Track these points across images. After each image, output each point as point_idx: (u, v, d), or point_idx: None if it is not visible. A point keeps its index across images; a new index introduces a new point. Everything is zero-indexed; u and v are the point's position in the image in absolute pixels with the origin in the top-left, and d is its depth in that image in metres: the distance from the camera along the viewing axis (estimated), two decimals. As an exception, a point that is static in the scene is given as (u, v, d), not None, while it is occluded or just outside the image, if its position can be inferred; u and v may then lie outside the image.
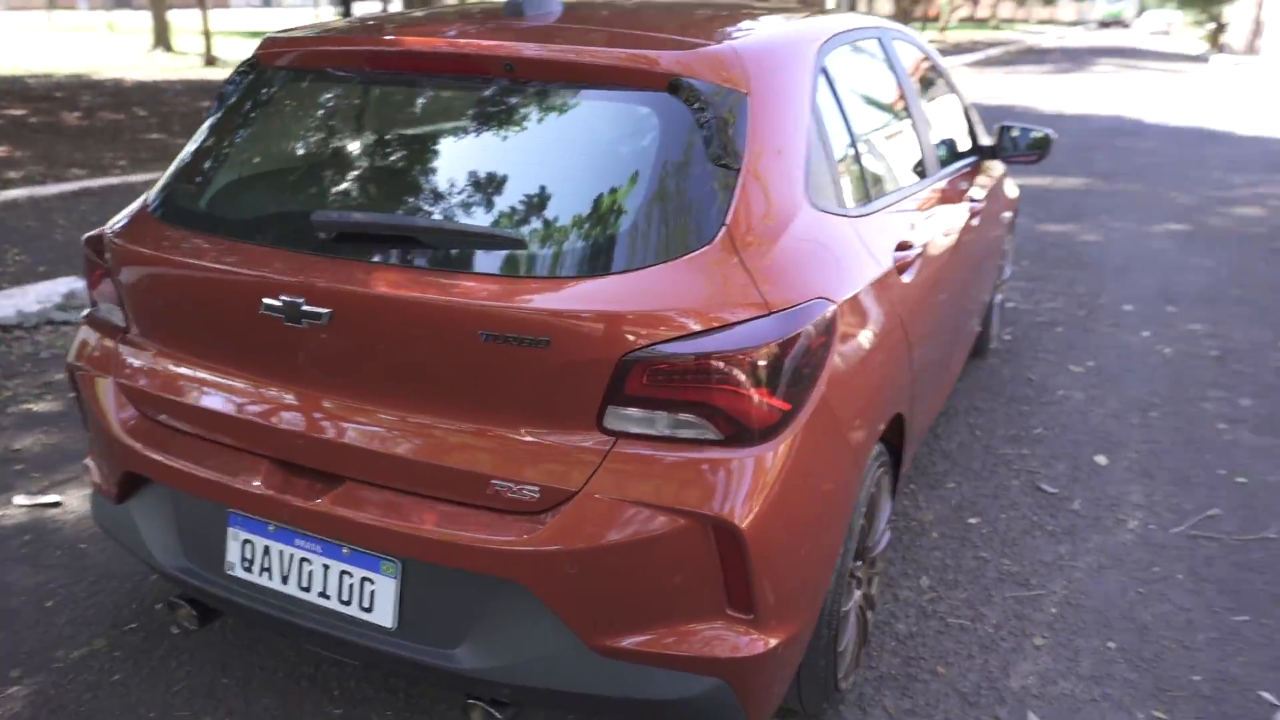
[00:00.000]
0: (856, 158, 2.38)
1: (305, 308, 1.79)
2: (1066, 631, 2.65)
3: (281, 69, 2.23)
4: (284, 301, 1.81)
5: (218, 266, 1.92)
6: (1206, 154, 11.54)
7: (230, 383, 1.98)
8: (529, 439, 1.74)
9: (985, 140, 3.86)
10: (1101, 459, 3.67)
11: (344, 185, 1.95)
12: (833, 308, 1.89)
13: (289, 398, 1.91)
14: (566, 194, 1.81)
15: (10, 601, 2.65)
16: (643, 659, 1.75)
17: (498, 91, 1.97)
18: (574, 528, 1.70)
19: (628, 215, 1.76)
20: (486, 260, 1.75)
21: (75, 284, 5.19)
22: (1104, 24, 71.92)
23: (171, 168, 2.25)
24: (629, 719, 1.86)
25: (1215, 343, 5.02)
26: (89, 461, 2.35)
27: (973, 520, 3.21)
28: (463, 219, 1.82)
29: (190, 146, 2.26)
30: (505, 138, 1.93)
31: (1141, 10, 71.21)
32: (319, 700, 2.31)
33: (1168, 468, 3.62)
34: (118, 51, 23.35)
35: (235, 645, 2.50)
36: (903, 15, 39.03)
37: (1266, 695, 2.42)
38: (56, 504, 3.17)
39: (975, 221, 3.31)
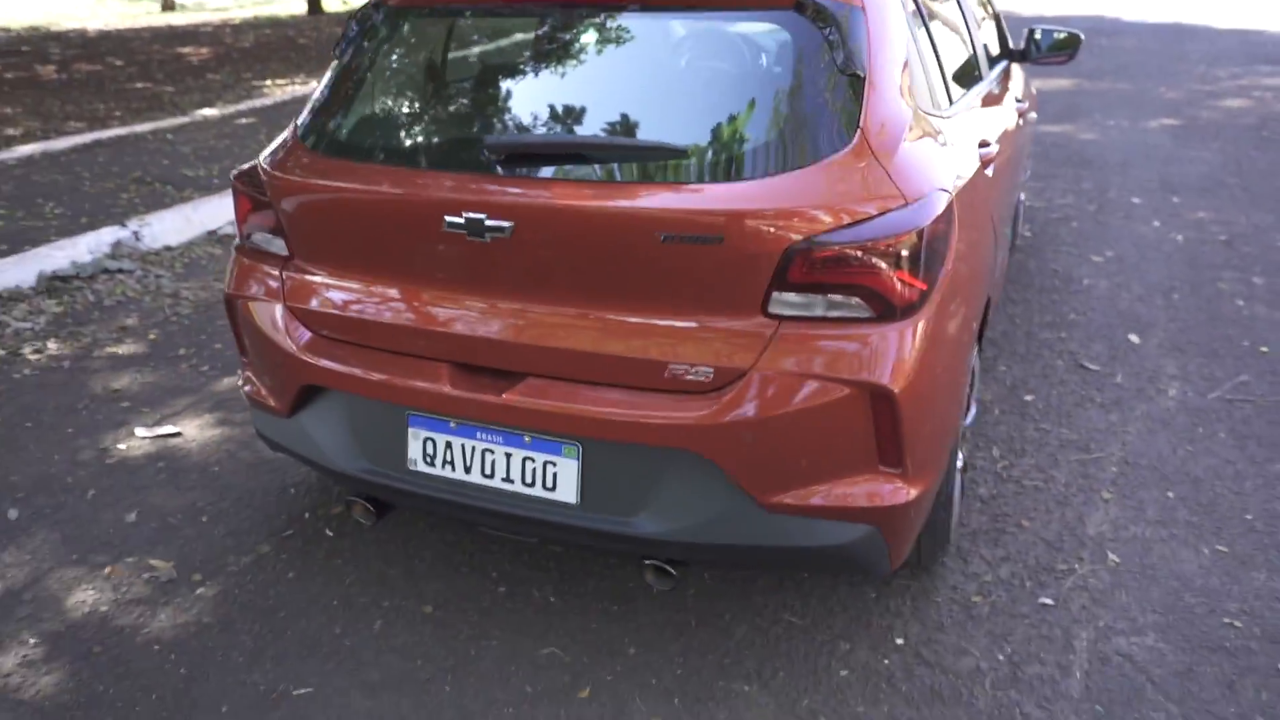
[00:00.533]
0: (939, 61, 2.59)
1: (489, 222, 1.99)
2: (1129, 486, 2.95)
3: (413, 7, 2.38)
4: (467, 219, 2.01)
5: (394, 191, 2.11)
6: (1187, 49, 11.74)
7: (407, 296, 2.19)
8: (701, 327, 1.97)
9: (1011, 43, 4.06)
10: (1134, 338, 3.96)
11: (504, 110, 2.14)
12: (949, 198, 2.12)
13: (470, 305, 2.12)
14: (714, 107, 2.01)
15: (169, 519, 2.88)
16: (806, 511, 2.01)
17: (633, 15, 2.14)
18: (747, 401, 1.94)
19: (775, 124, 1.97)
20: (655, 170, 1.95)
21: (120, 233, 5.30)
22: None
23: (314, 103, 2.41)
24: (791, 566, 2.14)
25: (1221, 228, 5.30)
26: (247, 383, 2.56)
27: (1028, 397, 3.49)
28: (624, 135, 2.02)
29: (328, 83, 2.42)
30: (646, 59, 2.11)
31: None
32: (481, 581, 2.57)
33: (1195, 342, 3.92)
34: (69, 1, 22.70)
35: (390, 543, 2.74)
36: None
37: (1312, 527, 2.75)
38: (177, 434, 3.37)
39: (1020, 121, 3.53)
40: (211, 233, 5.56)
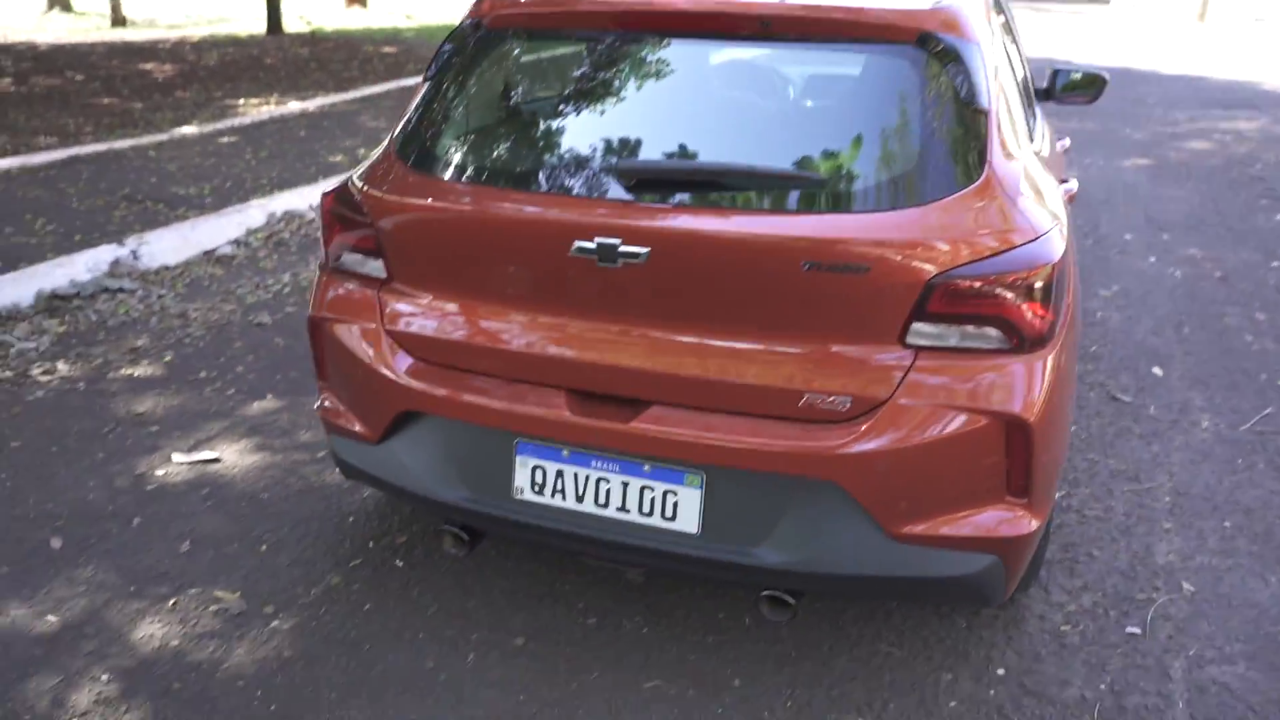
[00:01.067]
0: (1025, 99, 2.64)
1: (623, 248, 1.97)
2: (1186, 515, 3.01)
3: (514, 28, 2.36)
4: (599, 244, 1.98)
5: (517, 213, 2.07)
6: (1142, 93, 12.18)
7: (523, 321, 2.15)
8: (838, 357, 1.97)
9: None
10: (1158, 370, 4.06)
11: (627, 135, 2.13)
12: (1063, 229, 2.16)
13: (594, 331, 2.09)
14: (844, 137, 2.02)
15: (225, 549, 2.77)
16: (934, 542, 2.01)
17: (756, 45, 2.15)
18: (885, 431, 1.94)
19: (908, 157, 1.99)
20: (795, 199, 1.95)
21: (118, 251, 5.14)
22: None
23: (411, 122, 2.36)
24: (911, 596, 2.13)
25: (1214, 265, 5.49)
26: (327, 409, 2.48)
27: (1071, 428, 3.55)
28: (760, 162, 2.02)
29: (424, 101, 2.38)
30: (772, 87, 2.12)
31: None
32: (568, 612, 2.52)
33: (1215, 375, 4.03)
34: (11, 13, 22.08)
35: (465, 573, 2.68)
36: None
37: (1367, 556, 2.83)
38: (215, 459, 3.26)
39: (1065, 159, 3.62)
40: (209, 253, 5.42)
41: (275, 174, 6.81)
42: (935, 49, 2.07)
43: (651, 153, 2.07)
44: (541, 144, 2.19)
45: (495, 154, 2.21)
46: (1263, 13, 21.36)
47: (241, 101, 9.96)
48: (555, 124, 2.22)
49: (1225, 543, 2.88)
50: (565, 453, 2.15)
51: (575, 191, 2.07)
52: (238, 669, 2.31)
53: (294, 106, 9.20)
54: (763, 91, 2.12)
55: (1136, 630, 2.49)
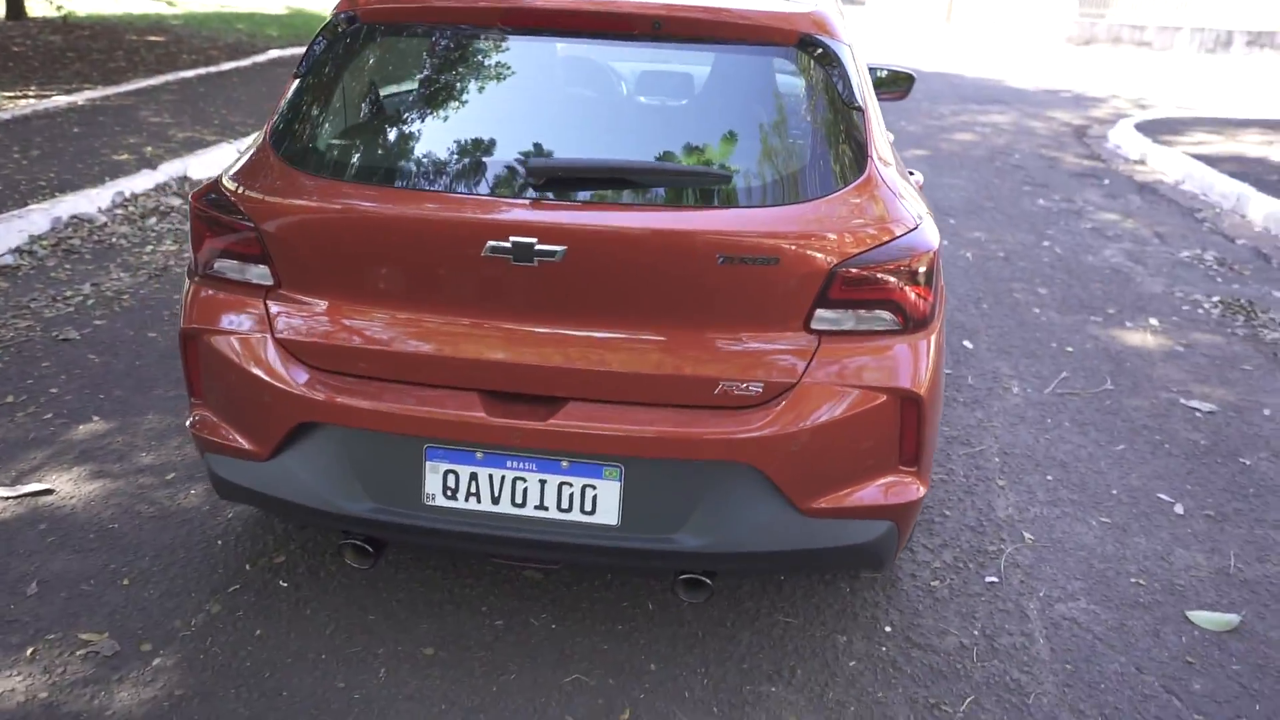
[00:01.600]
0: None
1: (539, 246, 1.98)
2: (1014, 472, 3.35)
3: (392, 22, 2.29)
4: (514, 243, 1.98)
5: (424, 213, 2.03)
6: (908, 88, 13.19)
7: (431, 322, 2.11)
8: (749, 345, 2.06)
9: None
10: (968, 343, 4.47)
11: (527, 133, 2.13)
12: (932, 219, 2.35)
13: (507, 331, 2.08)
14: (746, 135, 2.12)
15: (81, 587, 2.54)
16: (840, 514, 2.15)
17: (647, 45, 2.21)
18: (796, 412, 2.05)
19: (803, 152, 2.11)
20: (704, 195, 2.03)
21: (-125, 265, 4.53)
22: None
23: (292, 121, 2.25)
24: (817, 566, 2.27)
25: (997, 246, 6.07)
26: (202, 426, 2.33)
27: (906, 400, 3.85)
28: (659, 160, 2.07)
29: (302, 101, 2.28)
30: (669, 87, 2.18)
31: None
32: (472, 617, 2.49)
33: (1016, 345, 4.48)
34: None
35: (355, 587, 2.59)
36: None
37: (1163, 496, 3.25)
38: (47, 491, 2.97)
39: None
40: (-13, 264, 4.87)
41: (54, 175, 6.20)
42: (814, 52, 2.21)
43: (554, 151, 2.08)
44: (440, 142, 2.15)
45: (391, 152, 2.15)
46: (998, 16, 23.58)
47: (-9, 94, 8.94)
48: (450, 121, 2.18)
49: (1050, 494, 3.23)
50: (479, 455, 2.13)
51: (483, 190, 2.05)
52: (125, 713, 2.14)
53: (60, 100, 8.37)
54: (654, 91, 2.18)
55: (994, 579, 2.76)
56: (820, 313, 2.06)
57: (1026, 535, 2.98)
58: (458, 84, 2.23)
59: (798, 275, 2.02)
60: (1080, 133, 10.34)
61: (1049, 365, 4.28)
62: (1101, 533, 3.02)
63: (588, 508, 2.13)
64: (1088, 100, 12.81)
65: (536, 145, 2.11)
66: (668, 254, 1.99)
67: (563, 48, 2.22)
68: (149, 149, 7.05)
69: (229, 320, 2.22)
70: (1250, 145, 9.26)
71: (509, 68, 2.23)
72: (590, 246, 1.99)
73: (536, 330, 2.08)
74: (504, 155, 2.09)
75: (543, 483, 2.13)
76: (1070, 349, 4.47)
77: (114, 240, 5.38)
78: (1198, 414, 3.87)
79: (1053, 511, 3.12)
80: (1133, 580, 2.79)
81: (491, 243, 1.99)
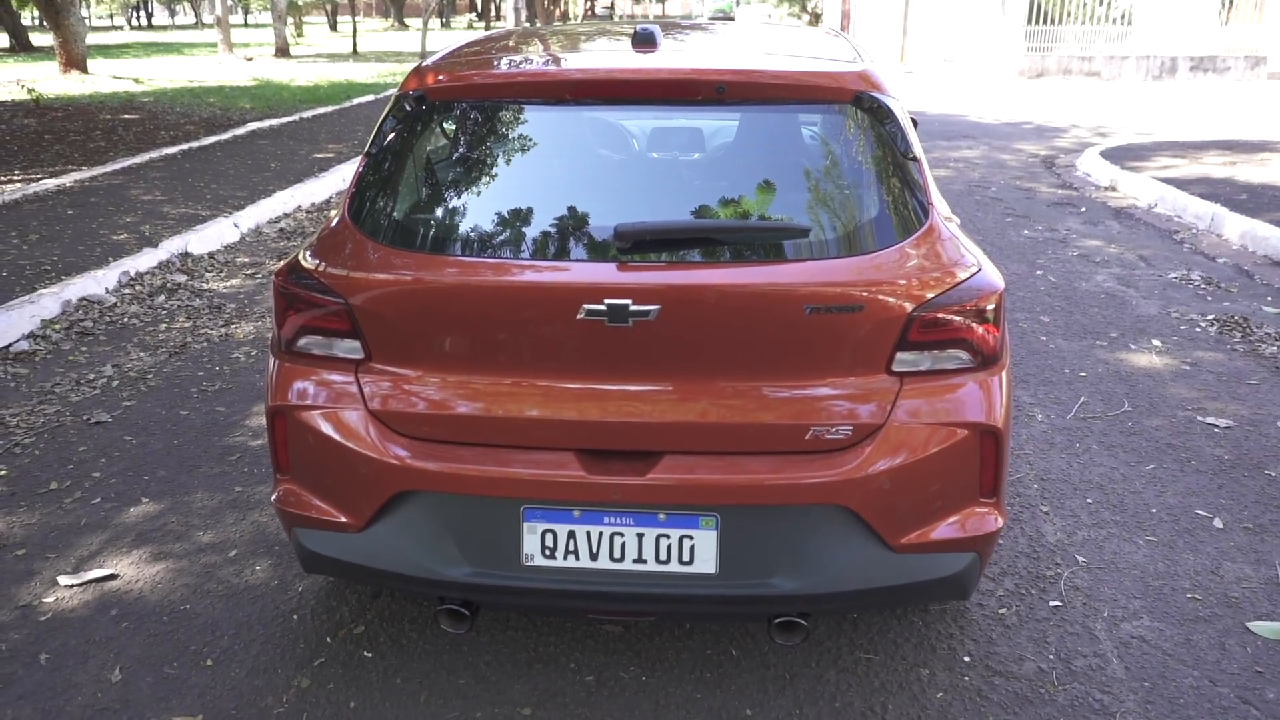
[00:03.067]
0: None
1: (634, 307, 2.05)
2: (1055, 497, 3.44)
3: (459, 98, 2.38)
4: (609, 305, 2.05)
5: (519, 281, 2.10)
6: (876, 127, 13.53)
7: (526, 386, 2.17)
8: (836, 389, 2.14)
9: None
10: (986, 375, 4.58)
11: (609, 198, 2.21)
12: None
13: (602, 389, 2.14)
14: (819, 189, 2.22)
15: (167, 669, 2.55)
16: (929, 548, 2.22)
17: (713, 109, 2.31)
18: (884, 453, 2.13)
19: (873, 203, 2.21)
20: (785, 249, 2.12)
21: (-106, 359, 4.51)
22: (713, 18, 78.28)
23: (368, 197, 2.32)
24: (909, 600, 2.33)
25: (993, 277, 6.22)
26: (289, 501, 2.36)
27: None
28: (737, 217, 2.17)
29: (377, 177, 2.35)
30: (733, 147, 2.29)
31: (738, 2, 78.40)
32: (562, 673, 2.52)
33: (1031, 374, 4.61)
34: None
35: (441, 652, 2.61)
36: (544, 15, 40.43)
37: (1201, 512, 3.36)
38: (111, 576, 2.97)
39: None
40: (3, 350, 4.87)
41: (56, 259, 6.20)
42: (869, 106, 2.32)
43: (637, 214, 2.16)
44: (521, 211, 2.23)
45: (476, 223, 2.23)
46: (950, 54, 24.27)
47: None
48: (528, 190, 2.27)
49: (1094, 516, 3.32)
50: (576, 513, 2.18)
51: (573, 256, 2.13)
52: (236, 794, 2.14)
53: (49, 184, 8.38)
54: (723, 151, 2.27)
55: (1058, 603, 2.84)
56: (901, 355, 2.15)
57: (1079, 558, 3.07)
58: (531, 153, 2.32)
59: (879, 321, 2.11)
60: (1049, 163, 10.65)
61: (1066, 391, 4.40)
62: (1150, 551, 3.11)
63: (686, 558, 2.18)
64: (1049, 131, 13.20)
65: (620, 209, 2.19)
66: (757, 307, 2.08)
67: (634, 114, 2.32)
68: (146, 227, 7.07)
69: (320, 395, 2.26)
70: (1213, 166, 9.59)
71: (579, 135, 2.32)
72: (683, 304, 2.07)
73: (631, 388, 2.15)
74: (587, 220, 2.18)
75: (640, 536, 2.18)
76: (1084, 374, 4.60)
77: (126, 320, 5.39)
78: (1216, 430, 3.99)
79: (1099, 533, 3.21)
80: (1189, 595, 2.88)
81: (587, 306, 2.06)
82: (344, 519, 2.28)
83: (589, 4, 59.48)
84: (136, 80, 18.48)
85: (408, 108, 2.40)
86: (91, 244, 6.59)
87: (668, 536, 2.18)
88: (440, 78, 2.39)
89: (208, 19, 59.15)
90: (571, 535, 2.19)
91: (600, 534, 2.18)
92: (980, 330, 2.20)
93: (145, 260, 6.25)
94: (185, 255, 6.57)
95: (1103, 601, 2.84)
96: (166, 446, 3.84)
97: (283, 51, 26.77)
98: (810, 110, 2.33)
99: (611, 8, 64.76)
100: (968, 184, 9.40)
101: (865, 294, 2.08)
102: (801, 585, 2.18)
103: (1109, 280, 6.15)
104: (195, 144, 10.81)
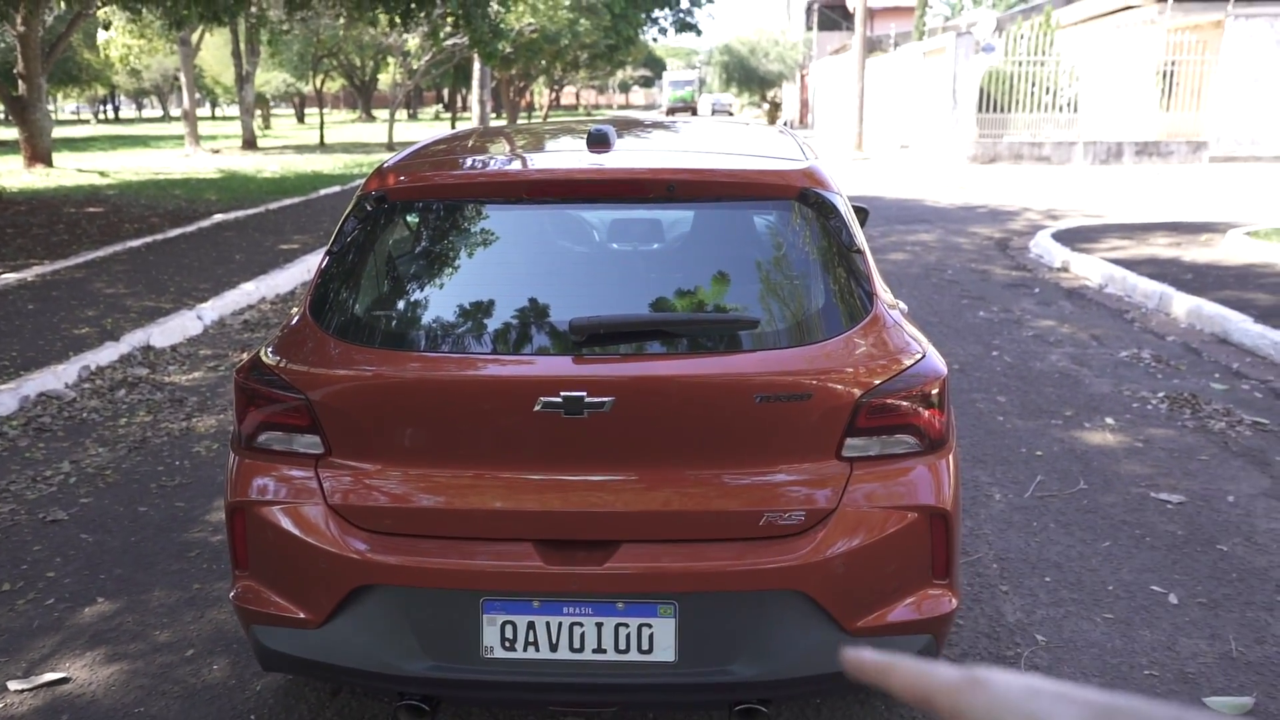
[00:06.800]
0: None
1: (589, 399, 2.10)
2: (1014, 577, 3.49)
3: (419, 199, 2.46)
4: (564, 397, 2.10)
5: (476, 376, 2.15)
6: (835, 213, 13.88)
7: (485, 479, 2.20)
8: (788, 476, 2.19)
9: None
10: (944, 455, 4.66)
11: (562, 294, 2.28)
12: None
13: (559, 480, 2.18)
14: (767, 281, 2.30)
15: (117, 777, 2.48)
16: (884, 630, 2.25)
17: (661, 207, 2.41)
18: (837, 537, 2.18)
19: (820, 294, 2.30)
20: (734, 340, 2.19)
21: None
22: (672, 110, 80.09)
23: (329, 295, 2.37)
24: (869, 685, 2.34)
25: (951, 359, 6.36)
26: (246, 598, 2.34)
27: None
28: (686, 310, 2.24)
29: (337, 275, 2.41)
30: (689, 239, 2.38)
31: (700, 91, 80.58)
32: (525, 770, 2.49)
33: (989, 454, 4.69)
34: None
35: (400, 750, 2.57)
36: (510, 106, 41.35)
37: (1156, 588, 3.41)
38: (64, 680, 2.91)
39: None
40: (-42, 449, 4.80)
41: (15, 354, 6.17)
42: (815, 202, 2.42)
43: (594, 307, 2.23)
44: (479, 307, 2.29)
45: (434, 319, 2.28)
46: (906, 140, 25.07)
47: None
48: (486, 287, 2.33)
49: (1052, 595, 3.37)
50: (535, 604, 2.19)
51: (529, 350, 2.19)
52: None
53: (10, 278, 8.37)
54: (680, 243, 2.36)
55: (1019, 683, 2.85)
56: (850, 441, 2.21)
57: (1039, 637, 3.10)
58: (490, 250, 2.39)
59: (828, 408, 2.17)
60: (1003, 245, 10.97)
61: (1023, 470, 4.48)
62: (1107, 629, 3.15)
63: (645, 646, 2.19)
64: (1003, 214, 13.61)
65: (572, 304, 2.26)
66: (709, 397, 2.14)
67: (585, 213, 2.40)
68: (108, 320, 7.07)
69: (280, 490, 2.28)
70: (1160, 248, 9.93)
71: (537, 230, 2.40)
72: (637, 395, 2.13)
73: (588, 478, 2.18)
74: (546, 314, 2.24)
75: (599, 625, 2.19)
76: (1040, 453, 4.69)
77: (85, 415, 5.35)
78: (1169, 505, 4.08)
79: (1058, 612, 3.25)
80: (1146, 672, 2.91)
81: (544, 398, 2.11)
82: (303, 615, 2.27)
83: (554, 95, 60.93)
84: (102, 174, 18.60)
85: (369, 207, 2.47)
86: (52, 338, 6.57)
87: (626, 625, 2.19)
88: (401, 178, 2.47)
89: (175, 112, 59.92)
90: (531, 626, 2.19)
91: (560, 624, 2.19)
92: (926, 415, 2.27)
93: (106, 354, 6.23)
94: (147, 349, 6.56)
95: (1063, 680, 2.86)
96: (124, 544, 3.80)
97: (250, 144, 27.10)
98: (758, 207, 2.43)
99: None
100: (925, 267, 9.64)
101: (814, 382, 2.15)
102: (760, 671, 2.19)
103: (1063, 360, 6.31)
104: (160, 236, 10.87)
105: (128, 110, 72.86)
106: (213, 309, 7.53)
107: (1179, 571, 3.52)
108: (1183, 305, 7.31)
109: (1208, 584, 3.43)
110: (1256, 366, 6.06)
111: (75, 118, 60.63)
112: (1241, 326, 6.57)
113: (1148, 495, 4.17)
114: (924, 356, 2.33)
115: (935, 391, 2.28)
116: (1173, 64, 20.66)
